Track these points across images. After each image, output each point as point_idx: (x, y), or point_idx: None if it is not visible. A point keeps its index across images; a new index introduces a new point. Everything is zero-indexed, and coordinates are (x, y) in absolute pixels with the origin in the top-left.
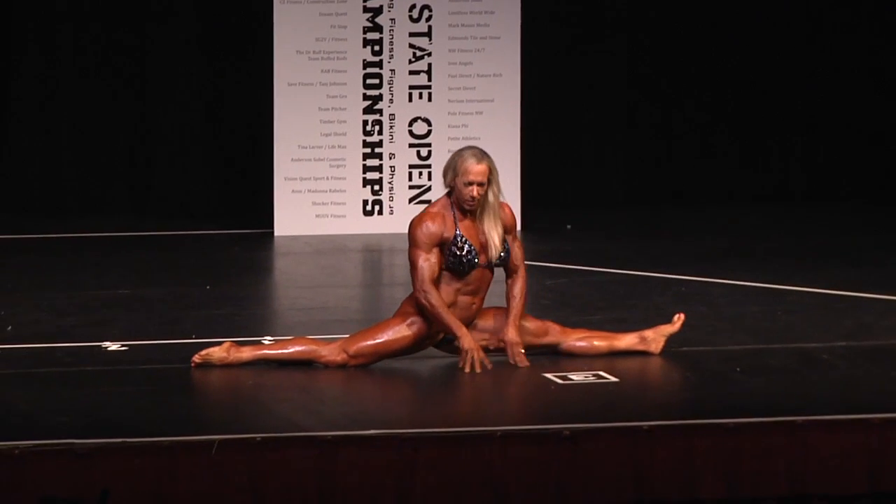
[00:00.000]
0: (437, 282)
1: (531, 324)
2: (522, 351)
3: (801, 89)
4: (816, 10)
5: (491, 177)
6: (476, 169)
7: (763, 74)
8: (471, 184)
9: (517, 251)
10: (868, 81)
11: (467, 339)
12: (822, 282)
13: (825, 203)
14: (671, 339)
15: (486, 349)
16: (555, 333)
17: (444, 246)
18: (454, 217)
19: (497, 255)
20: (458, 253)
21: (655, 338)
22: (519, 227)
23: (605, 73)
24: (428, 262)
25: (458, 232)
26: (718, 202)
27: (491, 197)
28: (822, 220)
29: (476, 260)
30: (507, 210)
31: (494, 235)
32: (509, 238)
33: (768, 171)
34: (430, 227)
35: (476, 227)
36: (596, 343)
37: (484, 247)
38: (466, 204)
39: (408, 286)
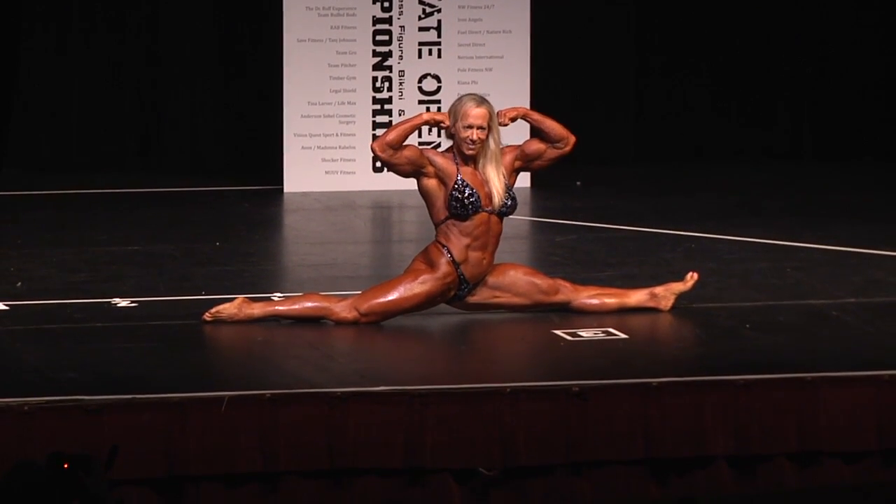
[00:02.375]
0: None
1: (542, 282)
2: (507, 120)
3: (812, 45)
4: None
5: (491, 122)
6: (475, 112)
7: (774, 29)
8: (470, 127)
9: (532, 143)
10: (880, 37)
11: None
12: (831, 238)
13: (835, 160)
14: (681, 296)
15: (498, 306)
16: (566, 291)
17: (445, 188)
18: (456, 163)
19: (501, 203)
20: (459, 197)
21: (665, 295)
22: (528, 184)
23: (616, 29)
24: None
25: (458, 177)
26: (728, 159)
27: (492, 143)
28: (831, 178)
29: (479, 203)
30: (507, 150)
31: (496, 182)
32: (534, 154)
33: (778, 128)
34: (430, 150)
35: (478, 174)
36: (606, 300)
37: (488, 195)
38: (467, 148)
39: (418, 243)
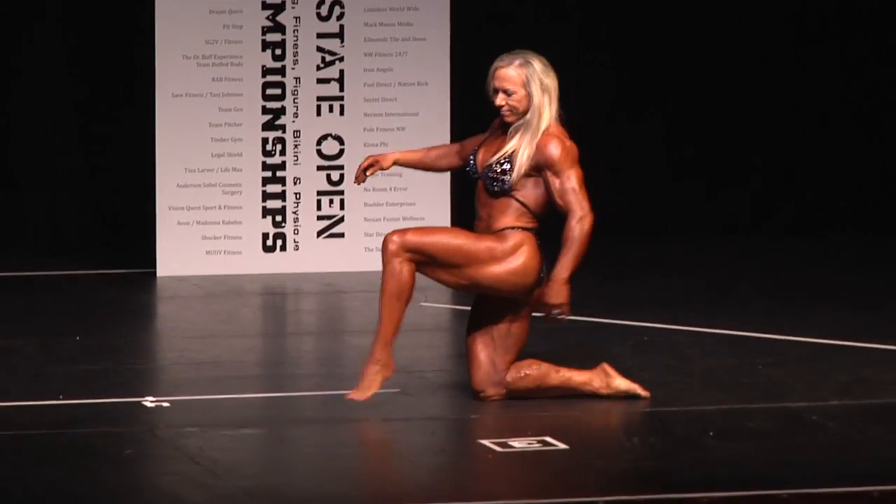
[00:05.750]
0: None
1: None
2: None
3: (789, 99)
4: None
5: (529, 87)
6: (500, 73)
7: (745, 85)
8: (496, 91)
9: (557, 186)
10: (860, 95)
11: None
12: (811, 328)
13: (814, 235)
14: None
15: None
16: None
17: None
18: (492, 129)
19: (483, 168)
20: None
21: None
22: None
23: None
24: None
25: (475, 147)
26: (686, 234)
27: (530, 114)
28: (810, 255)
29: (474, 168)
30: (546, 142)
31: (503, 150)
32: (548, 174)
33: (746, 198)
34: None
35: (505, 141)
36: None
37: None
38: (503, 117)
39: (318, 336)
